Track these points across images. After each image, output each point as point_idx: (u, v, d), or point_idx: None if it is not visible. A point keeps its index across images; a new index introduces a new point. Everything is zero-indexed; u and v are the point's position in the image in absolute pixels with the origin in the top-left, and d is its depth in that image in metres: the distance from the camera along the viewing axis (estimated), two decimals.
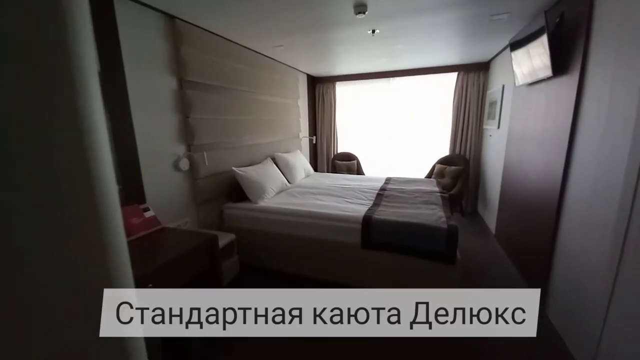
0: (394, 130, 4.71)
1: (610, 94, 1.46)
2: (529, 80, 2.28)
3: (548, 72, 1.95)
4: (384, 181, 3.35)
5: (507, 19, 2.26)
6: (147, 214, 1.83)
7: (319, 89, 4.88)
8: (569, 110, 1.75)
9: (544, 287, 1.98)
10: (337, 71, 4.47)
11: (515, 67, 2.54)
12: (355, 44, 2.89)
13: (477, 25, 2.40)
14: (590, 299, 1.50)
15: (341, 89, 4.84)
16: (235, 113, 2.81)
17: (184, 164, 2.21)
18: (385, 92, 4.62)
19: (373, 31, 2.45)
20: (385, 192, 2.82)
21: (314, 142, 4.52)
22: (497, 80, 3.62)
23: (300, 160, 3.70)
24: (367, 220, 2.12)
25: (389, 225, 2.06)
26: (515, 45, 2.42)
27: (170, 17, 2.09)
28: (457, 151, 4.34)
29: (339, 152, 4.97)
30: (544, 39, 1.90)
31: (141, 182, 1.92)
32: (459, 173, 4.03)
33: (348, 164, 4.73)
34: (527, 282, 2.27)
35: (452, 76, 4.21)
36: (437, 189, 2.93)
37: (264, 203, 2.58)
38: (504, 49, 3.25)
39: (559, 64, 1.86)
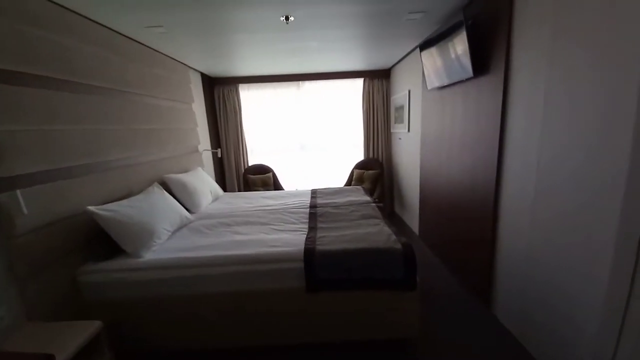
0: (308, 138, 4.41)
1: (537, 94, 1.45)
2: (445, 82, 2.30)
3: (467, 74, 1.95)
4: (310, 195, 2.94)
5: (419, 20, 2.21)
6: None
7: (218, 91, 4.10)
8: (496, 110, 1.75)
9: (487, 287, 1.96)
10: (239, 71, 3.83)
11: (426, 72, 2.58)
12: (264, 34, 2.37)
13: (391, 23, 2.29)
14: (547, 295, 1.47)
15: (246, 93, 4.20)
16: (92, 120, 1.83)
17: None
18: (295, 97, 4.27)
19: (287, 18, 2.00)
20: (317, 210, 2.40)
21: (219, 155, 3.73)
22: (400, 86, 3.79)
23: (204, 180, 2.89)
24: (310, 255, 1.63)
25: (338, 257, 1.63)
26: (426, 46, 2.43)
27: None
28: (371, 155, 4.40)
29: (250, 165, 4.30)
30: (462, 39, 1.87)
31: None
32: (377, 176, 4.06)
33: (263, 177, 4.13)
34: (466, 284, 2.27)
35: (360, 82, 4.24)
36: (368, 198, 2.72)
37: (152, 255, 1.73)
38: (407, 55, 3.39)
39: (480, 65, 1.86)
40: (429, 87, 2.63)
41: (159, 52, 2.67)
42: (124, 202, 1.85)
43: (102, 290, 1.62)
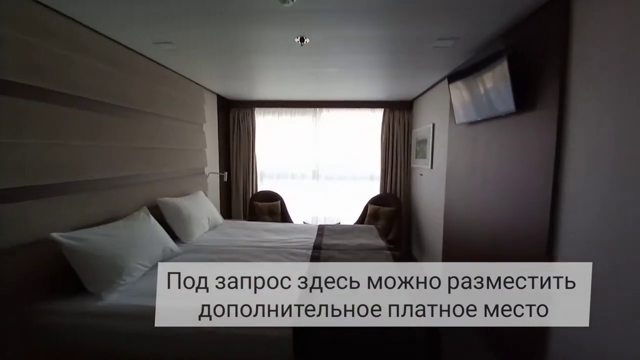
0: (322, 167, 4.17)
1: (607, 136, 1.12)
2: (478, 117, 2.01)
3: (507, 109, 1.64)
4: (316, 232, 2.62)
5: (449, 48, 1.98)
6: None
7: (234, 114, 4.02)
8: (546, 153, 1.41)
9: None
10: (256, 95, 3.75)
11: (455, 105, 2.30)
12: (280, 57, 2.23)
13: (417, 50, 2.07)
14: None
15: (261, 117, 4.10)
16: (76, 135, 1.67)
17: None
18: (312, 125, 4.10)
19: (302, 39, 1.83)
20: (321, 253, 2.06)
21: (225, 179, 3.53)
22: (424, 119, 3.53)
23: (203, 206, 2.66)
24: (301, 330, 1.28)
25: (336, 331, 1.26)
26: (456, 78, 2.17)
27: None
28: (388, 190, 4.06)
29: (259, 191, 4.08)
30: (502, 71, 1.60)
31: None
32: (393, 214, 3.68)
33: (270, 205, 3.86)
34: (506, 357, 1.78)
35: (379, 113, 4.04)
36: (381, 242, 2.35)
37: (115, 297, 1.44)
38: (432, 87, 3.16)
39: (524, 100, 1.56)
40: (457, 122, 2.33)
41: (172, 70, 2.60)
42: (99, 229, 1.62)
43: (55, 337, 1.34)
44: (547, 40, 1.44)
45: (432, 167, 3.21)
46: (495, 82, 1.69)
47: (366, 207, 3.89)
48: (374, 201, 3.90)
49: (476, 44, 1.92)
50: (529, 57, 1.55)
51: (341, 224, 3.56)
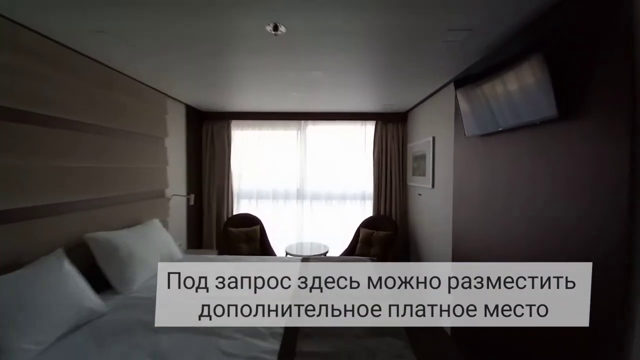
0: (308, 186, 3.71)
1: None
2: (496, 127, 1.62)
3: (546, 114, 1.25)
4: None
5: (460, 44, 1.62)
6: None
7: (208, 128, 3.56)
8: (613, 163, 1.01)
9: None
10: (233, 106, 3.32)
11: (464, 114, 1.92)
12: (251, 52, 1.81)
13: (421, 47, 1.71)
14: None
15: (239, 131, 3.65)
16: None
17: None
18: (297, 140, 3.68)
19: (275, 27, 1.42)
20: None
21: (192, 202, 3.00)
22: (422, 132, 3.16)
23: (154, 240, 2.12)
24: None
25: None
26: (466, 82, 1.80)
27: None
28: (382, 212, 3.62)
29: (234, 214, 3.56)
30: (536, 66, 1.23)
31: None
32: (389, 239, 3.22)
33: (248, 231, 3.33)
34: None
35: (371, 126, 3.67)
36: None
37: None
38: (430, 95, 2.82)
39: (569, 102, 1.17)
40: (467, 134, 1.95)
41: (120, 72, 2.12)
42: None
43: None
44: (601, 23, 1.07)
45: (433, 187, 2.81)
46: (527, 83, 1.31)
47: (358, 232, 3.42)
48: (367, 224, 3.44)
49: (491, 39, 1.56)
50: (571, 48, 1.18)
51: (329, 253, 3.08)
